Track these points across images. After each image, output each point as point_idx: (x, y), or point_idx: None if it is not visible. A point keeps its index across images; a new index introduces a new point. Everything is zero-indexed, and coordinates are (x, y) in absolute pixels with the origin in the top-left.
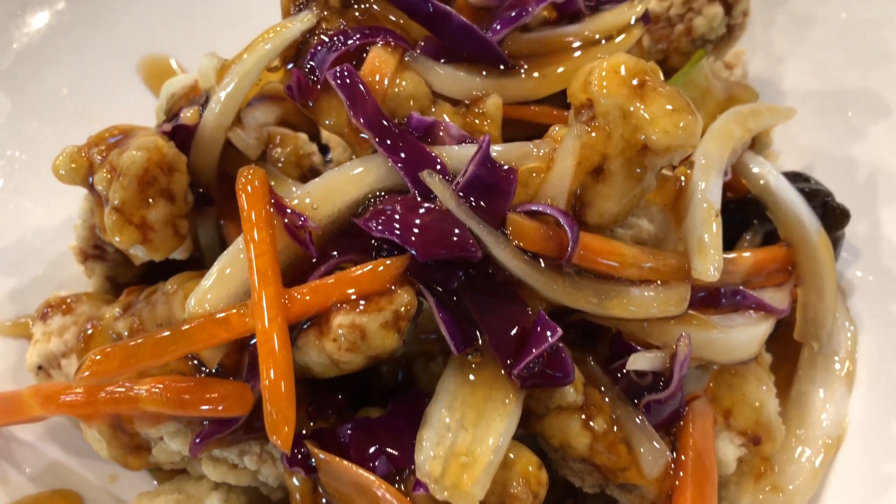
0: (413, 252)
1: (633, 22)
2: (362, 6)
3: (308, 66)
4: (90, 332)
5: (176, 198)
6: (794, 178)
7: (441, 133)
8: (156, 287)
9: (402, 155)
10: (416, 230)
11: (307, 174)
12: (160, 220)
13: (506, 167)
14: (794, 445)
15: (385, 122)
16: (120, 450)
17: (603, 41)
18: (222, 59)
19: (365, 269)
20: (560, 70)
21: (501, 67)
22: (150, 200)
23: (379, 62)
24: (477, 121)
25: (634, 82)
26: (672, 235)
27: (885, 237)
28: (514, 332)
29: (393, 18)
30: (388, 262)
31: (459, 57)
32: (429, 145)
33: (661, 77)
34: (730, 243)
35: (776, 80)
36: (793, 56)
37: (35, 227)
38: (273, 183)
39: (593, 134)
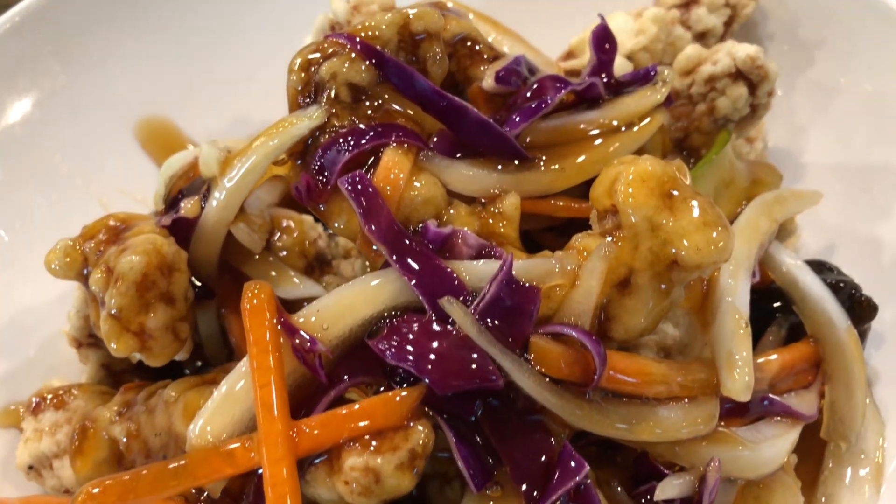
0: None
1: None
2: (374, 102)
3: (317, 165)
4: (84, 433)
5: (176, 300)
6: (819, 267)
7: (459, 242)
8: (154, 389)
9: (419, 272)
10: (432, 358)
11: (313, 262)
12: (159, 326)
13: (528, 286)
14: None
15: (400, 236)
16: None
17: (623, 128)
18: (224, 149)
19: (378, 401)
20: (580, 160)
21: (518, 161)
22: (149, 306)
23: (393, 166)
24: (492, 220)
25: (663, 192)
26: (698, 339)
27: None
28: (537, 463)
29: (406, 111)
30: (402, 393)
31: (475, 151)
32: (446, 259)
33: (688, 176)
34: (754, 337)
35: (797, 153)
36: (815, 127)
37: (26, 304)
38: (274, 273)
39: (619, 244)
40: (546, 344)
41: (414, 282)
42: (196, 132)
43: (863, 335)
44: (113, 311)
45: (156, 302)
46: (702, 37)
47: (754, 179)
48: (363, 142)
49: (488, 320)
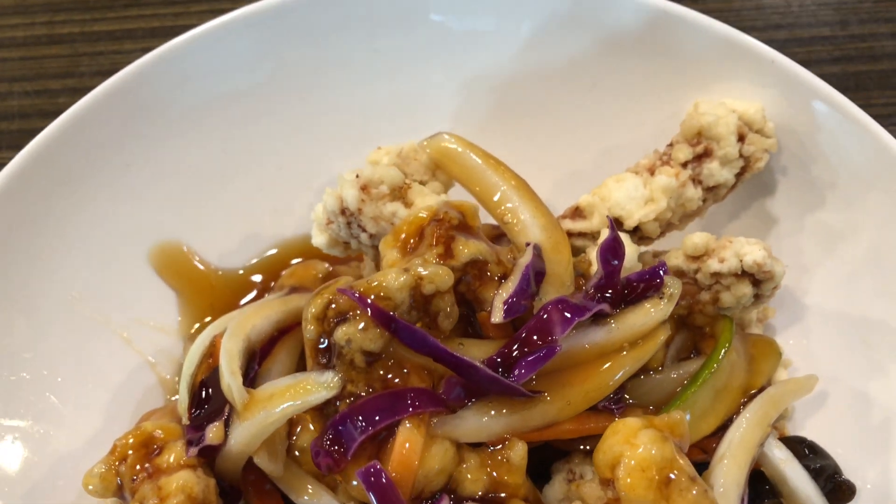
0: None
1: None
2: (388, 362)
3: (331, 437)
4: None
5: None
6: (800, 445)
7: None
8: None
9: None
10: None
11: None
12: None
13: None
14: None
15: None
16: None
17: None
18: (245, 391)
19: None
20: (586, 388)
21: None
22: None
23: (406, 446)
24: (499, 469)
25: (662, 479)
26: None
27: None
28: None
29: (417, 362)
30: None
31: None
32: None
33: (687, 433)
34: None
35: (799, 294)
36: (819, 269)
37: (59, 453)
38: (293, 481)
39: None
40: None
41: None
42: (209, 253)
43: None
44: None
45: None
46: (712, 189)
47: (752, 359)
48: (377, 419)
49: None
